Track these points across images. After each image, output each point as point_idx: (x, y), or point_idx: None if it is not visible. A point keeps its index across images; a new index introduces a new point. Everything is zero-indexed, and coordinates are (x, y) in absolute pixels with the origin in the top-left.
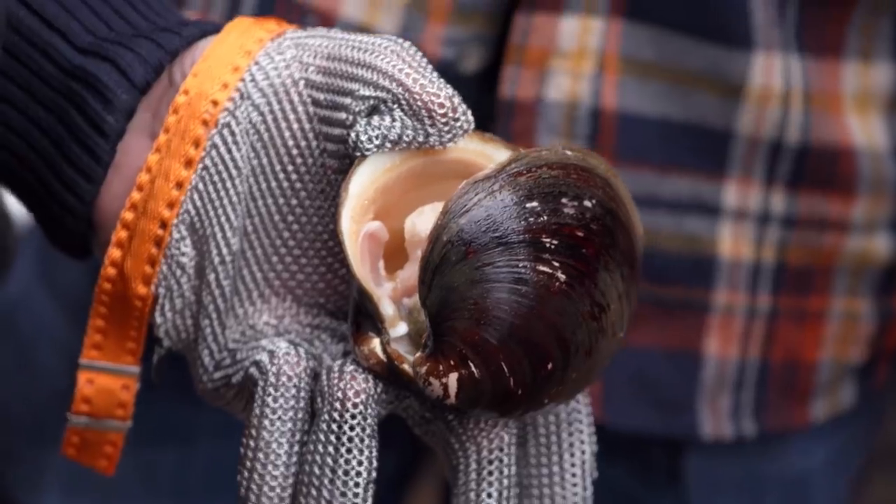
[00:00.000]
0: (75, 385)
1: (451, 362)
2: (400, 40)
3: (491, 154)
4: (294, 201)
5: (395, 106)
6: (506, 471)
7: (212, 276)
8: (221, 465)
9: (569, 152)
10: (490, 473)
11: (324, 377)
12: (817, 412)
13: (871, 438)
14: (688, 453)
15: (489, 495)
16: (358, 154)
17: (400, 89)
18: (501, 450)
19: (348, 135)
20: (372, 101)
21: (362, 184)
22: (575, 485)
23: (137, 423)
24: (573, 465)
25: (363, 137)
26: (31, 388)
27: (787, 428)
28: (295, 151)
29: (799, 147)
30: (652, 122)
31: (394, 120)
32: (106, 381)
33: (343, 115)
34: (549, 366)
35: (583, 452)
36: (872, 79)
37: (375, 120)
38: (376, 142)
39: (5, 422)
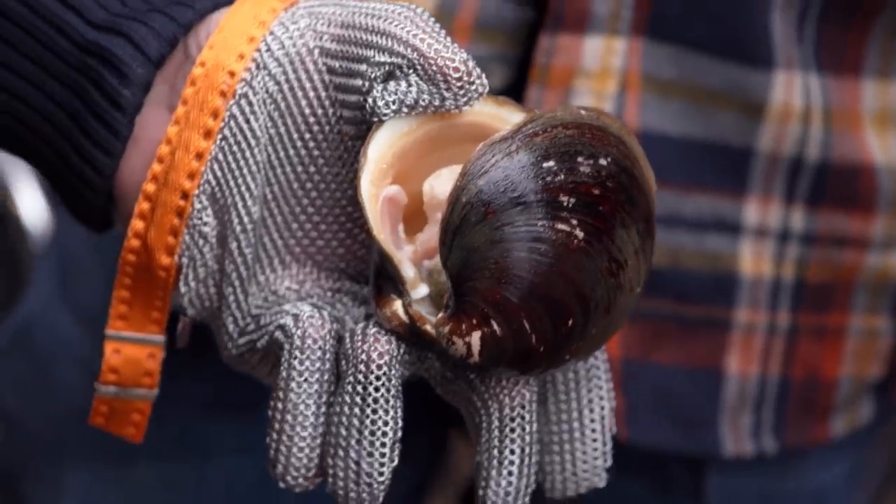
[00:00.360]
0: (101, 358)
1: (474, 321)
2: (413, 6)
3: (506, 117)
4: (312, 168)
5: (411, 71)
6: (528, 427)
7: (234, 245)
8: (241, 480)
9: (583, 112)
10: (513, 430)
11: (347, 340)
12: (837, 428)
13: (889, 452)
14: (709, 470)
15: (512, 452)
16: (375, 119)
17: (415, 54)
18: (523, 407)
19: (365, 101)
20: (387, 67)
21: (380, 149)
22: (595, 440)
23: (157, 438)
24: (593, 420)
25: (380, 103)
26: (49, 404)
27: (807, 444)
28: (312, 119)
29: (819, 164)
30: (673, 140)
31: (410, 85)
32: (132, 350)
33: (359, 82)
34: (570, 322)
35: (602, 408)
36: (891, 97)
37: (392, 85)
38: (393, 107)
39: (24, 438)
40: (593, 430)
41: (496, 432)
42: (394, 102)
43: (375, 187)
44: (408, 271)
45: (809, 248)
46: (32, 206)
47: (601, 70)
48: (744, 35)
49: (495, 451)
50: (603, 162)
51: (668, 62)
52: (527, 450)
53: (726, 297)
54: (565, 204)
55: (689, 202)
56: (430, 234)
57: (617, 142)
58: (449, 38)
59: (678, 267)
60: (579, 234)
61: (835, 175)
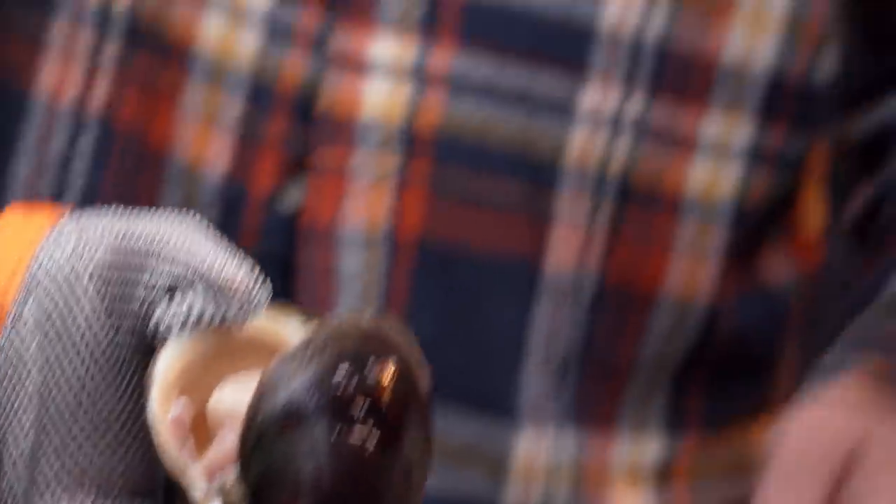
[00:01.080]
0: None
1: None
2: (191, 217)
3: (285, 324)
4: (90, 387)
5: (192, 287)
6: None
7: (8, 474)
8: None
9: (365, 320)
10: None
11: None
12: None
13: None
14: None
15: None
16: (159, 338)
17: (196, 271)
18: None
19: (147, 320)
20: (167, 284)
21: (166, 367)
22: None
23: None
24: None
25: (164, 323)
26: None
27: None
28: (86, 341)
29: None
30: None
31: (193, 302)
32: None
33: (135, 304)
34: None
35: None
36: (643, 451)
37: (174, 304)
38: (176, 325)
39: None
40: None
41: None
42: (176, 321)
43: (163, 406)
44: (198, 489)
45: None
46: None
47: None
48: (490, 391)
49: None
50: (389, 368)
51: None
52: None
53: None
54: (357, 414)
55: None
56: (219, 449)
57: (398, 346)
58: (230, 251)
59: None
60: (373, 441)
61: None
